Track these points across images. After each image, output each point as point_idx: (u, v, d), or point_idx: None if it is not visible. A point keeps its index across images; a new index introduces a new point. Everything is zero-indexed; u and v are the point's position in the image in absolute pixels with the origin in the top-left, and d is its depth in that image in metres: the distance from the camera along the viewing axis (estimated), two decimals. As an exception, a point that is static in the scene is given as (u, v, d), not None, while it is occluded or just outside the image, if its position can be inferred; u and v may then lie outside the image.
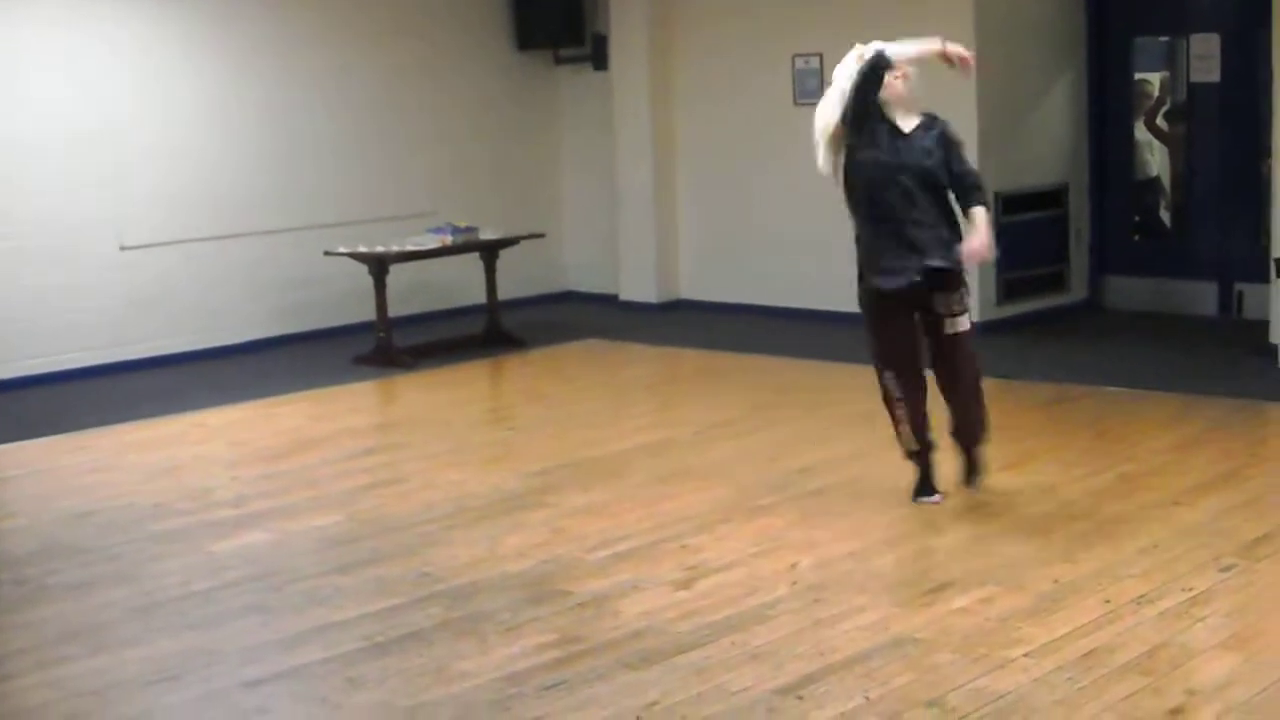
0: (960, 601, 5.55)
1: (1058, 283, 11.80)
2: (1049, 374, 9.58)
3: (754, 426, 8.57)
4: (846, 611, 5.49)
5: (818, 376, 9.86)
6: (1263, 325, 9.97)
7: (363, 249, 10.80)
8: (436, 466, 7.91)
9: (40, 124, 10.38)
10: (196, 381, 10.38)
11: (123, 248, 10.82)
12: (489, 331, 11.39)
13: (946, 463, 6.79)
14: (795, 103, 11.88)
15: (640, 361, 10.96)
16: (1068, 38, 11.75)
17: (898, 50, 6.52)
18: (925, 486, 6.77)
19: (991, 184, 10.93)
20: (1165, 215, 12.42)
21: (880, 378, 6.77)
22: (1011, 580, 5.75)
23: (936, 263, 6.50)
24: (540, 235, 12.00)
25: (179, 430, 9.01)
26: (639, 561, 6.17)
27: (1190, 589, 5.58)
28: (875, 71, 6.46)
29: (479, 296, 11.51)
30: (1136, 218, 12.26)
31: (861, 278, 6.69)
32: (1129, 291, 11.83)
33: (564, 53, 13.27)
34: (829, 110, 6.66)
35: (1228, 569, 5.80)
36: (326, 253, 11.04)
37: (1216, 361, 9.81)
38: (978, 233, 6.50)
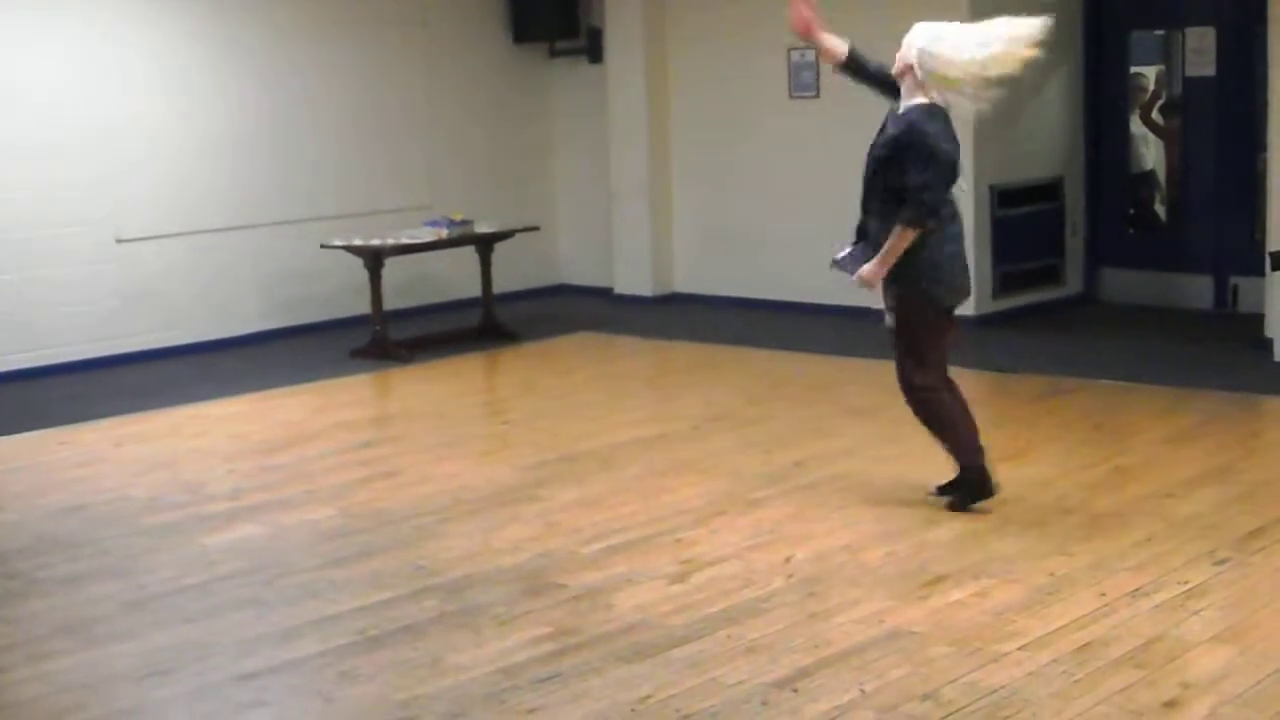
0: (955, 595, 5.55)
1: (1053, 276, 11.80)
2: (1044, 367, 9.58)
3: (749, 420, 8.57)
4: (842, 605, 5.49)
5: (813, 370, 9.86)
6: (1258, 319, 9.99)
7: (358, 242, 10.79)
8: (432, 460, 7.90)
9: (36, 117, 10.35)
10: (192, 375, 10.36)
11: (119, 241, 10.80)
12: (484, 325, 11.38)
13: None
14: (790, 95, 11.88)
15: (635, 355, 10.96)
16: (1063, 31, 11.69)
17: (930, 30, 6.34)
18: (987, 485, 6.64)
19: (987, 177, 11.03)
20: (1160, 209, 12.42)
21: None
22: (1007, 573, 5.75)
23: (839, 255, 6.47)
24: (535, 229, 11.98)
25: (173, 423, 9.00)
26: (634, 554, 6.17)
27: (1185, 582, 5.59)
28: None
29: (474, 290, 11.50)
30: (1132, 211, 12.26)
31: None
32: (1124, 285, 11.83)
33: (559, 46, 13.25)
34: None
35: (1222, 562, 5.80)
36: (322, 246, 11.02)
37: (1211, 355, 9.81)
38: (874, 259, 6.32)
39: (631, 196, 12.81)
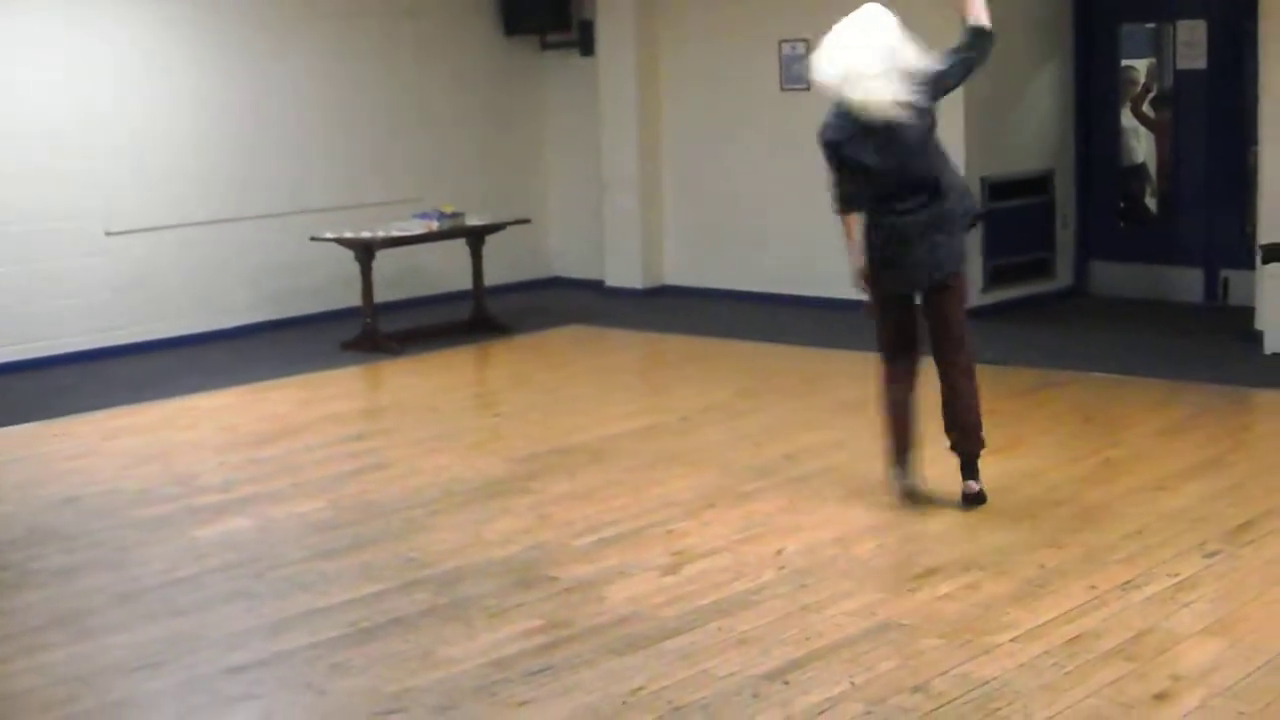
0: (946, 587, 5.56)
1: (1044, 269, 11.82)
2: (1035, 360, 9.59)
3: (740, 412, 8.57)
4: (832, 597, 5.49)
5: (804, 362, 9.87)
6: (1248, 311, 10.00)
7: (349, 235, 10.77)
8: (422, 452, 7.90)
9: (25, 109, 10.33)
10: (182, 367, 10.35)
11: (108, 233, 10.79)
12: (475, 317, 11.37)
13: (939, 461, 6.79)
14: (782, 88, 11.88)
15: (626, 347, 10.96)
16: (1054, 24, 11.75)
17: None
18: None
19: (978, 170, 11.03)
20: (1151, 202, 12.43)
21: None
22: (997, 566, 5.76)
23: None
24: (526, 221, 11.98)
25: (164, 416, 8.99)
26: (625, 547, 6.17)
27: (1175, 574, 5.60)
28: None
29: (465, 282, 11.49)
30: (1122, 204, 12.27)
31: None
32: (1115, 278, 11.85)
33: (550, 38, 13.24)
34: None
35: (1212, 554, 5.82)
36: (313, 238, 11.01)
37: (1202, 347, 9.83)
38: None
39: (622, 189, 12.80)
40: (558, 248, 13.58)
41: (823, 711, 4.54)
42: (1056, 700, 4.54)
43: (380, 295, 10.90)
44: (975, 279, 11.02)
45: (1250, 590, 5.46)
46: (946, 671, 4.78)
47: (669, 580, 5.76)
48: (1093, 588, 5.49)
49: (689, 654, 5.01)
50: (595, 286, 13.06)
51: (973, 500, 6.47)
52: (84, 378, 10.10)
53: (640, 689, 4.74)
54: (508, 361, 10.58)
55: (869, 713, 4.51)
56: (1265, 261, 9.40)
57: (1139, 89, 12.23)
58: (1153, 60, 12.18)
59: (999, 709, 4.49)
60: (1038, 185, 11.70)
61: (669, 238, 12.88)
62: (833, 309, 10.87)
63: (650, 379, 10.27)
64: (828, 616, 5.30)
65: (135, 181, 10.91)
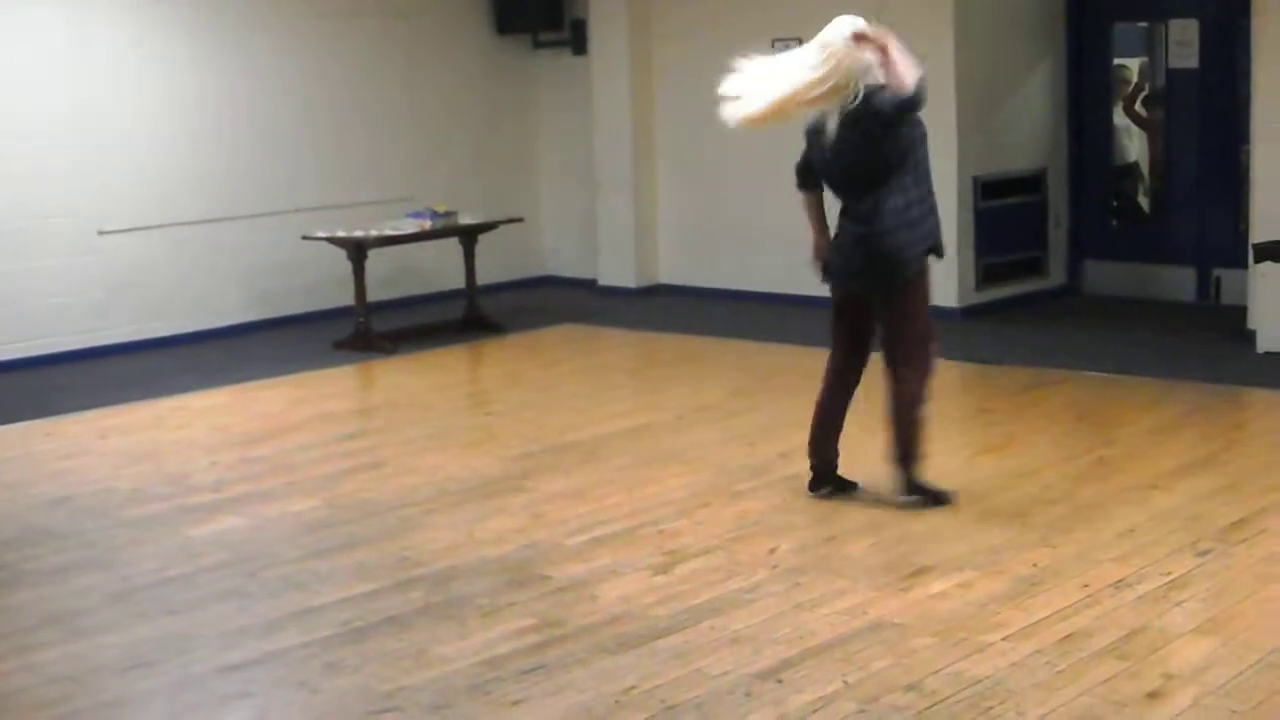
0: (939, 586, 5.57)
1: (1036, 268, 11.81)
2: (1027, 359, 9.59)
3: (733, 411, 8.58)
4: (825, 596, 5.50)
5: (797, 361, 9.84)
6: (1240, 310, 10.01)
7: (341, 234, 10.76)
8: (415, 451, 7.89)
9: (16, 108, 10.32)
10: (175, 366, 10.34)
11: (100, 232, 10.77)
12: (468, 316, 11.37)
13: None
14: (775, 87, 11.86)
15: (619, 346, 10.95)
16: (1046, 23, 11.75)
17: None
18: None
19: (970, 169, 11.04)
20: (1144, 201, 12.43)
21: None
22: (990, 565, 5.76)
23: None
24: (519, 220, 11.97)
25: (157, 415, 8.98)
26: (618, 546, 6.18)
27: (1168, 573, 5.61)
28: None
29: (458, 281, 11.49)
30: (1115, 203, 12.27)
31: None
32: (1107, 277, 11.85)
33: (543, 37, 13.23)
34: None
35: (1205, 553, 5.82)
36: (305, 237, 11.00)
37: (1194, 346, 9.83)
38: None
39: (616, 188, 12.79)
40: (551, 246, 13.57)
41: (816, 710, 4.54)
42: (1049, 699, 4.54)
43: (373, 294, 10.89)
44: (967, 278, 11.04)
45: (1243, 589, 5.46)
46: (939, 670, 4.79)
47: (662, 579, 5.76)
48: (1085, 586, 5.49)
49: (682, 653, 5.01)
50: (588, 285, 13.06)
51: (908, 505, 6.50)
52: (76, 377, 10.08)
53: (633, 688, 4.74)
54: (501, 360, 10.57)
55: (862, 711, 4.52)
56: (1257, 260, 9.42)
57: (1131, 88, 12.22)
58: (1145, 59, 12.18)
59: (992, 708, 4.50)
60: (1030, 184, 11.70)
61: (662, 237, 12.88)
62: (826, 308, 10.83)
63: (643, 378, 10.26)
64: (821, 615, 5.31)
65: (127, 180, 10.90)
